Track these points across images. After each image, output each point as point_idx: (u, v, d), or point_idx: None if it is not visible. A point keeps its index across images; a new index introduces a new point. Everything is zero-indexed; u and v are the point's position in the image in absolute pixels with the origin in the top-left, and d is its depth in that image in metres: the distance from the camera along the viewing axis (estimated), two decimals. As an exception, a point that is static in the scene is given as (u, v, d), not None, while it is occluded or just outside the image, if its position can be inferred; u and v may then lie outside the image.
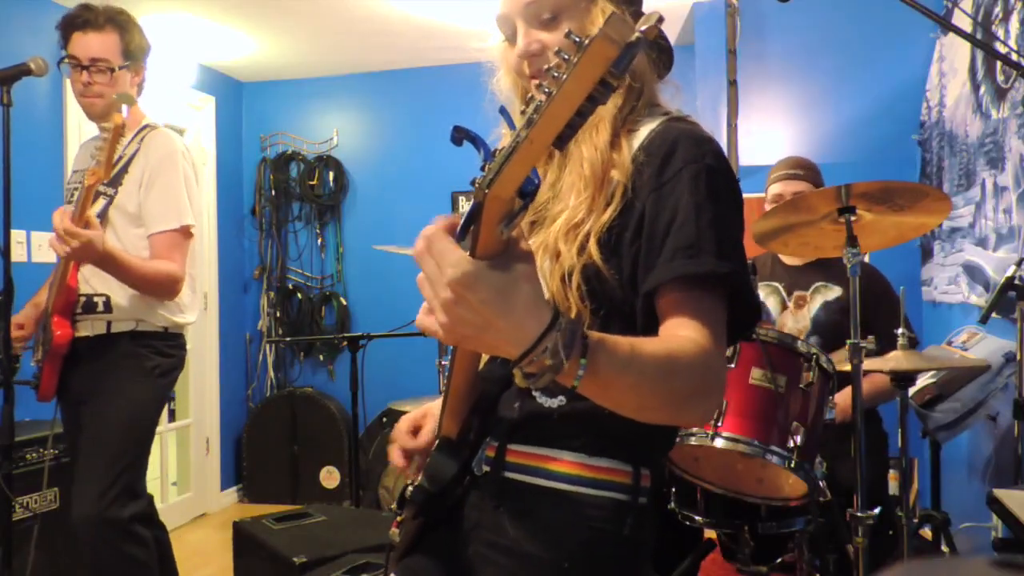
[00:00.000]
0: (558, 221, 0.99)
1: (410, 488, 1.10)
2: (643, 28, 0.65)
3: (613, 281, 0.96)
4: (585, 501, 0.98)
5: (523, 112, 0.66)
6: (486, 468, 1.04)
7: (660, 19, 0.67)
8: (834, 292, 2.55)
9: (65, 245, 1.97)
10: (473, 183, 0.69)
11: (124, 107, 2.00)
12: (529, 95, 0.67)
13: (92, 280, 2.22)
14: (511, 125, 0.77)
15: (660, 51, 1.09)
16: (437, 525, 1.10)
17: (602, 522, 0.97)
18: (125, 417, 2.20)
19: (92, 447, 2.19)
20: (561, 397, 0.82)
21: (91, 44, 2.21)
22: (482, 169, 0.70)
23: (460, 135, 0.74)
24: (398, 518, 1.14)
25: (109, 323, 2.24)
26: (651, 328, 0.93)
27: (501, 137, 1.06)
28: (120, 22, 2.25)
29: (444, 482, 1.03)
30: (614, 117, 1.02)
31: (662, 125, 1.01)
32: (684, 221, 0.92)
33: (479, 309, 0.71)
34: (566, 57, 0.62)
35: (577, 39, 0.62)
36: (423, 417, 1.19)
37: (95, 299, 2.22)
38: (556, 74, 0.63)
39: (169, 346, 2.32)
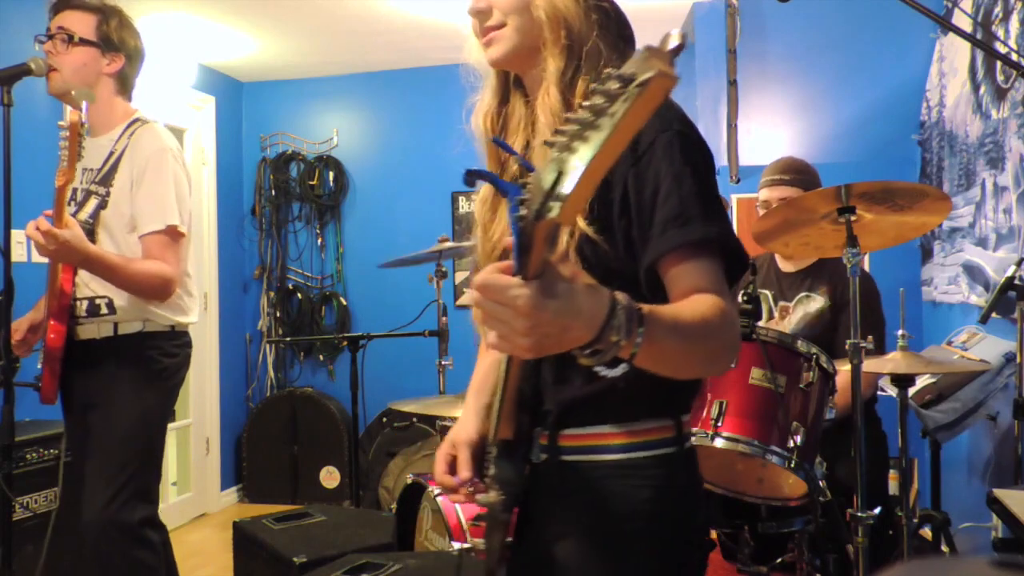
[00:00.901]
0: None
1: (483, 499, 1.17)
2: (673, 46, 0.65)
3: (610, 251, 1.02)
4: (641, 464, 1.06)
5: (558, 136, 0.68)
6: (543, 456, 1.11)
7: (684, 35, 0.67)
8: (815, 303, 2.54)
9: (43, 248, 1.96)
10: (519, 217, 0.72)
11: (84, 104, 1.95)
12: (558, 130, 0.68)
13: (92, 283, 2.19)
14: (511, 152, 0.83)
15: (602, 12, 1.10)
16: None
17: (660, 478, 1.07)
18: (135, 421, 2.19)
19: (102, 451, 2.17)
20: (624, 365, 0.89)
21: (65, 18, 2.20)
22: (504, 195, 0.75)
23: (474, 177, 0.80)
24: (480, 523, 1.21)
25: (116, 325, 2.22)
26: (658, 298, 0.97)
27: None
28: (104, 9, 2.22)
29: (515, 482, 1.10)
30: (558, 79, 1.07)
31: None
32: (668, 192, 0.98)
33: (554, 321, 0.77)
34: (615, 91, 0.64)
35: (625, 76, 0.63)
36: (452, 448, 1.24)
37: (97, 302, 2.20)
38: (604, 105, 0.64)
39: (175, 345, 2.30)
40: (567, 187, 0.67)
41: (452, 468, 1.22)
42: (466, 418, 1.26)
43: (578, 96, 1.07)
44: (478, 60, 1.19)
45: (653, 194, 0.99)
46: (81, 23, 2.20)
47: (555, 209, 0.68)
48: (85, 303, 2.21)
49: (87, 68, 2.21)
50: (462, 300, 4.80)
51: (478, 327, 1.13)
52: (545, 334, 0.78)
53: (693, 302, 0.95)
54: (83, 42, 2.19)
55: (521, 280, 0.76)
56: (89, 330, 2.22)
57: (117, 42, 2.24)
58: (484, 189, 1.22)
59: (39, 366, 2.29)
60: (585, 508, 1.08)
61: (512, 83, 1.21)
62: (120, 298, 2.19)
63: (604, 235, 1.02)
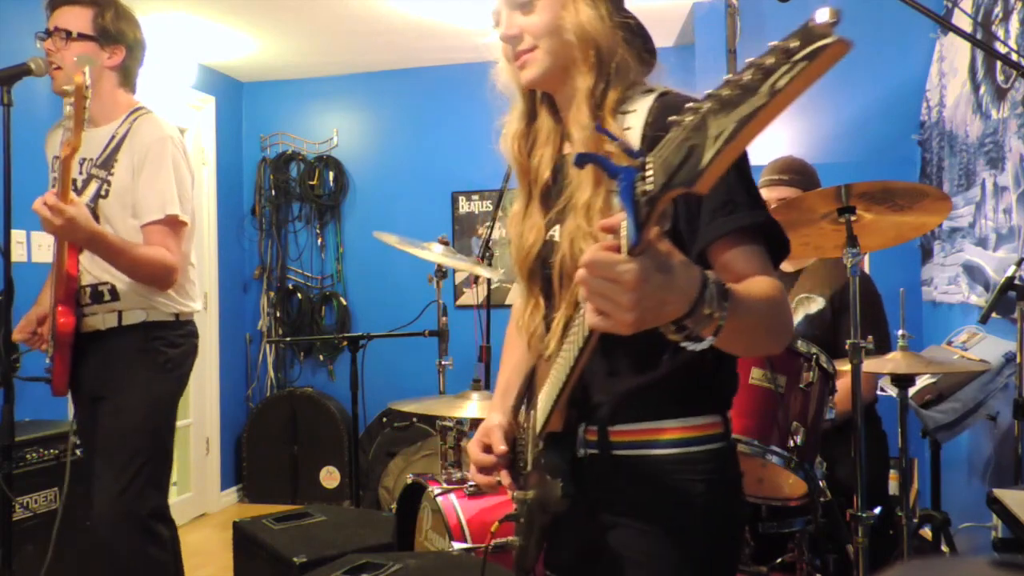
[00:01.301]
0: (578, 204, 1.10)
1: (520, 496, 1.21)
2: (831, 21, 0.68)
3: None
4: (695, 458, 1.12)
5: (684, 116, 0.70)
6: (592, 451, 1.15)
7: (834, 14, 0.70)
8: (816, 304, 2.52)
9: (47, 222, 1.95)
10: (641, 192, 0.75)
11: (87, 68, 1.93)
12: (691, 105, 0.70)
13: (93, 269, 2.20)
14: (613, 138, 0.84)
15: (627, 29, 1.16)
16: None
17: (712, 472, 1.12)
18: (142, 413, 2.20)
19: (111, 444, 2.18)
20: (710, 338, 0.91)
21: (62, 16, 2.20)
22: (614, 176, 0.78)
23: (584, 161, 0.84)
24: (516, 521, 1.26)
25: (120, 314, 2.22)
26: None
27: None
28: (98, 0, 2.22)
29: (564, 473, 1.14)
30: (588, 95, 1.13)
31: (658, 100, 1.11)
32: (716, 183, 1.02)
33: (655, 294, 0.81)
34: (770, 64, 0.64)
35: (789, 48, 0.64)
36: (486, 435, 1.30)
37: (100, 288, 2.20)
38: (754, 81, 0.65)
39: (180, 335, 2.30)
40: (706, 157, 0.69)
41: (487, 451, 1.28)
42: (494, 412, 1.33)
43: (608, 107, 1.13)
44: (504, 84, 1.27)
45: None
46: (77, 18, 2.20)
47: (693, 178, 0.70)
48: (88, 289, 2.21)
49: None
50: (462, 300, 4.80)
51: (517, 331, 1.23)
52: (647, 308, 0.81)
53: (756, 283, 1.00)
54: (81, 37, 2.19)
55: (627, 256, 0.80)
56: (94, 321, 2.23)
57: (116, 34, 2.24)
58: (517, 206, 1.27)
59: (48, 360, 2.29)
60: (638, 500, 1.12)
61: (539, 101, 1.27)
62: (122, 283, 2.19)
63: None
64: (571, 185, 1.14)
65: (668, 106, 1.09)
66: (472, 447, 1.30)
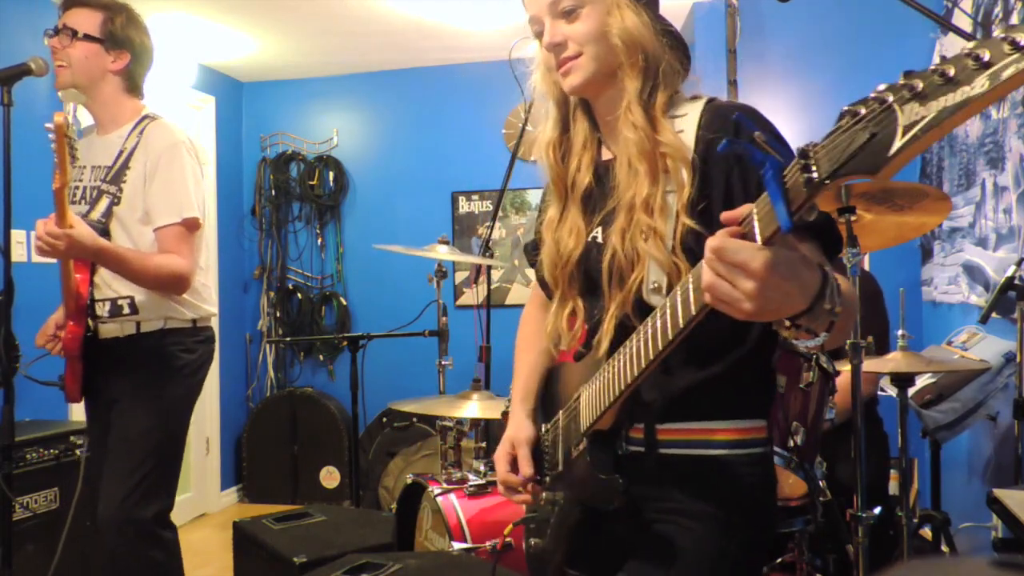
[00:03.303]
0: (636, 202, 1.13)
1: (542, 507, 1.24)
2: None
3: None
4: (741, 460, 1.15)
5: (866, 105, 0.70)
6: (639, 449, 1.17)
7: None
8: None
9: (52, 248, 1.96)
10: (807, 176, 0.73)
11: (72, 106, 1.95)
12: (873, 95, 0.70)
13: (114, 284, 2.20)
14: (755, 139, 0.82)
15: (668, 35, 1.20)
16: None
17: (760, 475, 1.16)
18: (153, 418, 2.20)
19: (120, 448, 2.19)
20: (824, 334, 0.91)
21: (72, 16, 2.21)
22: (760, 164, 0.77)
23: (732, 147, 0.84)
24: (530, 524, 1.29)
25: (138, 323, 2.23)
26: None
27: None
28: (111, 5, 2.24)
29: (610, 470, 1.16)
30: (638, 96, 1.16)
31: (709, 106, 1.17)
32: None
33: (780, 285, 0.81)
34: (985, 58, 0.64)
35: (1016, 39, 0.63)
36: (512, 448, 1.32)
37: (119, 302, 2.21)
38: (972, 68, 0.65)
39: (197, 341, 2.31)
40: (896, 146, 0.68)
41: (513, 467, 1.30)
42: (519, 420, 1.34)
43: (658, 109, 1.16)
44: (542, 92, 1.30)
45: (758, 186, 1.03)
46: (87, 20, 2.21)
47: (878, 165, 0.69)
48: (107, 304, 2.21)
49: (89, 62, 2.22)
50: (462, 300, 4.80)
51: (553, 334, 1.26)
52: (770, 298, 0.82)
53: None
54: (87, 38, 2.20)
55: (758, 244, 0.81)
56: (111, 329, 2.24)
57: (122, 39, 2.25)
58: (552, 212, 1.29)
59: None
60: (685, 498, 1.14)
61: (573, 109, 1.29)
62: (142, 296, 2.21)
63: (712, 228, 1.07)
64: (620, 186, 1.16)
65: (719, 112, 1.14)
66: (499, 462, 1.32)
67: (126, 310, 2.21)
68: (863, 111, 0.70)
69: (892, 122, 0.69)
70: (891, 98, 0.69)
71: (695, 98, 1.19)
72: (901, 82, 0.69)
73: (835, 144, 0.72)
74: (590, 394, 1.17)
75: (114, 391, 2.24)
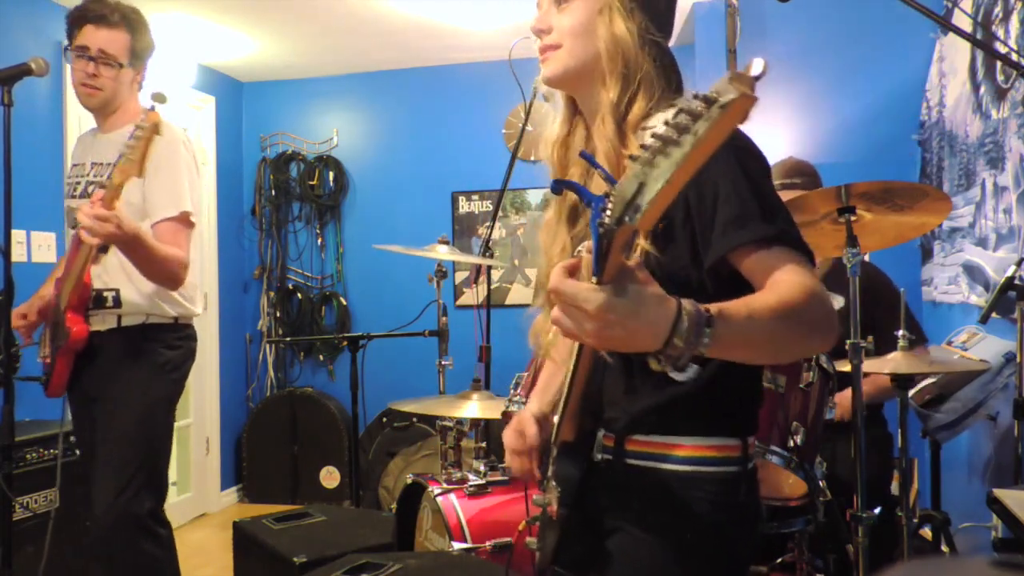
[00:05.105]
0: None
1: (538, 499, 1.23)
2: (756, 73, 0.70)
3: (674, 264, 1.07)
4: (705, 478, 1.11)
5: (642, 151, 0.72)
6: (607, 457, 1.16)
7: (766, 63, 0.73)
8: (836, 303, 2.51)
9: (98, 231, 1.93)
10: (600, 223, 0.76)
11: (154, 105, 1.97)
12: (643, 142, 0.73)
13: (103, 275, 2.22)
14: (596, 166, 0.85)
15: (654, 46, 1.18)
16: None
17: (721, 495, 1.11)
18: (139, 414, 2.21)
19: (108, 445, 2.20)
20: (693, 369, 0.90)
21: (101, 38, 2.23)
22: (591, 205, 0.78)
23: (561, 186, 0.87)
24: (532, 526, 1.29)
25: (119, 317, 2.24)
26: (724, 298, 0.99)
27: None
28: (132, 22, 2.27)
29: (575, 482, 1.16)
30: (612, 107, 1.14)
31: None
32: (727, 196, 1.03)
33: (621, 323, 0.81)
34: (698, 110, 0.69)
35: (710, 97, 0.68)
36: (519, 425, 1.31)
37: (105, 294, 2.22)
38: (686, 123, 0.69)
39: (178, 338, 2.32)
40: (647, 198, 0.72)
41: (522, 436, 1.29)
42: (530, 404, 1.34)
43: (630, 122, 1.14)
44: (548, 91, 1.28)
45: (714, 200, 1.03)
46: (116, 43, 2.24)
47: (635, 217, 0.73)
48: (92, 294, 2.22)
49: (121, 85, 2.29)
50: (462, 300, 4.80)
51: (535, 342, 1.29)
52: (611, 336, 0.83)
53: (770, 287, 0.99)
54: (120, 65, 2.26)
55: (593, 285, 0.81)
56: (94, 322, 2.24)
57: (142, 53, 2.31)
58: (551, 214, 1.29)
59: (39, 359, 2.30)
60: (643, 508, 1.13)
61: (576, 108, 1.28)
62: (127, 290, 2.22)
63: (667, 248, 1.07)
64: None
65: None
66: (507, 434, 1.32)
67: (109, 303, 2.22)
68: (643, 155, 0.72)
69: (650, 172, 0.72)
70: (656, 145, 0.72)
71: (671, 107, 1.15)
72: (664, 131, 0.71)
73: (623, 189, 0.74)
74: (557, 405, 1.18)
75: (96, 388, 2.24)
